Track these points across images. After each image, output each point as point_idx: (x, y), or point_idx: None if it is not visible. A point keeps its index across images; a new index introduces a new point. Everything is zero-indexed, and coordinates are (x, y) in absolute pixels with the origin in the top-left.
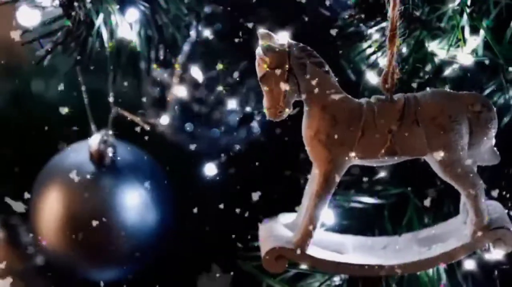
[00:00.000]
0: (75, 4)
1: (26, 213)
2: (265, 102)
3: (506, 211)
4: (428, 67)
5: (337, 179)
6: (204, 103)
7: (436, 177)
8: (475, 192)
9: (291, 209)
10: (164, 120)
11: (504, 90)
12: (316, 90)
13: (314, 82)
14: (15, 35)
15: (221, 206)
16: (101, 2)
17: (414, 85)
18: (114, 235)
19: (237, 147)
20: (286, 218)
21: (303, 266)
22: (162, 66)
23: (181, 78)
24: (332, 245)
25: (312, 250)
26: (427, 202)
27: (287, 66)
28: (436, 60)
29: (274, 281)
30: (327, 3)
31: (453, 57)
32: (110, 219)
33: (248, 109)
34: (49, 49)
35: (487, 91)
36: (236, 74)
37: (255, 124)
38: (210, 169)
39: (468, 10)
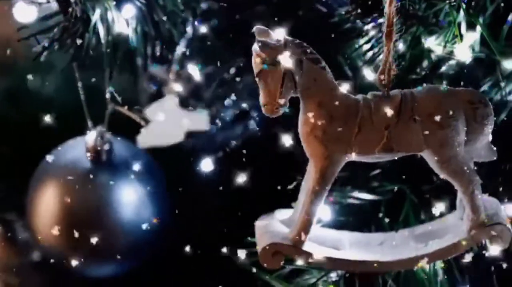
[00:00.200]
0: (72, 0)
1: (22, 209)
2: (261, 98)
3: (503, 207)
4: (425, 63)
5: (334, 175)
6: (201, 99)
7: (433, 173)
8: (472, 188)
9: (288, 205)
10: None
11: (501, 86)
12: (313, 87)
13: (310, 79)
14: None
15: (217, 202)
16: None
17: (411, 81)
18: (111, 231)
19: (234, 143)
20: (282, 214)
21: (300, 262)
22: (158, 62)
23: (177, 75)
24: (329, 241)
25: (309, 246)
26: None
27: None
28: (433, 56)
29: (270, 277)
30: None
31: (450, 53)
32: (106, 215)
33: (244, 105)
34: (46, 46)
35: (483, 87)
36: (232, 70)
37: (251, 121)
38: (206, 165)
39: (464, 6)
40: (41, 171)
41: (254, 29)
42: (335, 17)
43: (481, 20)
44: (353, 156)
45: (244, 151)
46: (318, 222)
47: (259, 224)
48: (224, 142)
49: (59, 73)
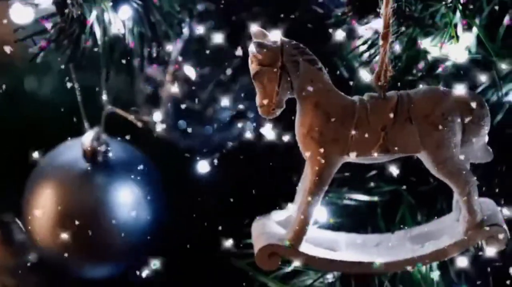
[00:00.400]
0: (68, 1)
1: (19, 210)
2: (258, 99)
3: (499, 208)
4: (421, 65)
5: (330, 176)
6: (197, 101)
7: (429, 175)
8: (468, 189)
9: (284, 206)
10: (157, 117)
11: (497, 87)
12: (309, 88)
13: (307, 80)
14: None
15: (214, 203)
16: None
17: (407, 82)
18: (107, 233)
19: (230, 144)
20: (279, 215)
21: (296, 264)
22: (155, 64)
23: (174, 76)
24: (325, 242)
25: (305, 247)
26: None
27: (279, 63)
28: (429, 57)
29: (267, 278)
30: (320, 0)
31: (446, 55)
32: (103, 216)
33: (241, 106)
34: (42, 47)
35: (480, 88)
36: (229, 72)
37: (247, 122)
38: (203, 166)
39: (461, 7)
40: (38, 172)
41: (250, 30)
42: (331, 18)
43: (477, 21)
44: (350, 157)
45: (241, 152)
46: (314, 223)
47: (256, 225)
48: (221, 143)
49: (55, 74)
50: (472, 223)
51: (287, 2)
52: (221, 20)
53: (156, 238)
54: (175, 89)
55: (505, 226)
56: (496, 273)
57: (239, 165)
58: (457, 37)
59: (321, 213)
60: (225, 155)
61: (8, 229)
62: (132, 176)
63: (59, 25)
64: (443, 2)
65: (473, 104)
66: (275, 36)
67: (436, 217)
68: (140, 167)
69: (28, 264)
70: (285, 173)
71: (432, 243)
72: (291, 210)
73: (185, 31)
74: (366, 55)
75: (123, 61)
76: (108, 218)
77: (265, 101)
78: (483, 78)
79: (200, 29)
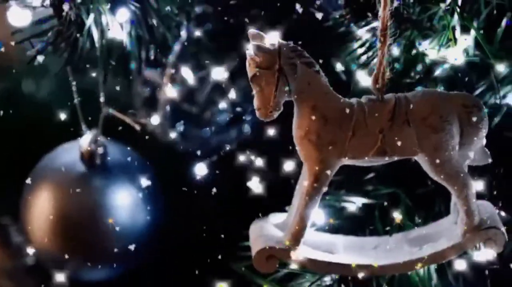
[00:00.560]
0: (66, 4)
1: (16, 213)
2: (255, 102)
3: (497, 211)
4: (419, 67)
5: (328, 179)
6: (195, 103)
7: (427, 177)
8: (466, 192)
9: (282, 209)
10: (155, 120)
11: (495, 89)
12: (307, 90)
13: (304, 82)
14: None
15: (211, 205)
16: (92, 2)
17: (405, 85)
18: (105, 235)
19: (228, 147)
20: (276, 218)
21: (294, 266)
22: (152, 66)
23: (172, 78)
24: (323, 245)
25: (303, 250)
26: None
27: (277, 66)
28: (427, 60)
29: (264, 281)
30: (318, 3)
31: (444, 57)
32: (100, 219)
33: (238, 109)
34: (40, 49)
35: (477, 91)
36: (226, 74)
37: (245, 124)
38: (200, 169)
39: (459, 10)
40: (35, 174)
41: (248, 33)
42: (329, 21)
43: (475, 24)
44: (347, 160)
45: (238, 155)
46: (312, 226)
47: (253, 228)
48: (219, 146)
49: (53, 76)
50: (470, 226)
51: (285, 5)
52: (219, 23)
53: (154, 241)
54: (172, 91)
55: (503, 229)
56: (494, 276)
57: (237, 167)
58: (455, 40)
59: (318, 215)
60: (223, 157)
61: (5, 232)
62: (130, 179)
63: (56, 27)
64: (441, 5)
65: (471, 107)
66: (273, 38)
67: (434, 220)
68: (138, 169)
69: (26, 267)
70: (284, 176)
71: (430, 245)
72: (289, 212)
73: (183, 33)
74: (364, 57)
75: (121, 64)
76: (106, 221)
77: (263, 104)
78: (481, 80)
79: (197, 32)
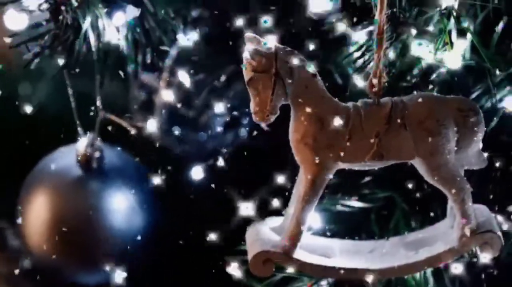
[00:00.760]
0: (62, 8)
1: (13, 217)
2: (252, 106)
3: (493, 215)
4: (415, 71)
5: (324, 182)
6: (192, 107)
7: (423, 181)
8: (462, 196)
9: (279, 213)
10: (151, 123)
11: (491, 93)
12: (303, 94)
13: (301, 86)
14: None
15: (208, 209)
16: (88, 5)
17: (401, 89)
18: (101, 239)
19: (225, 150)
20: (273, 221)
21: (290, 270)
22: (149, 70)
23: (168, 82)
24: (319, 249)
25: (299, 254)
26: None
27: (274, 69)
28: (423, 64)
29: (261, 285)
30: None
31: (440, 61)
32: (97, 223)
33: (235, 112)
34: (36, 53)
35: (474, 95)
36: (223, 78)
37: (242, 128)
38: (197, 173)
39: (455, 14)
40: (32, 178)
41: (244, 37)
42: (325, 24)
43: (471, 27)
44: (344, 164)
45: (235, 158)
46: (308, 230)
47: (250, 231)
48: (215, 149)
49: (49, 80)
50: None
51: (282, 8)
52: (215, 27)
53: (150, 245)
54: (169, 95)
55: (499, 233)
56: (490, 279)
57: (234, 171)
58: (451, 44)
59: (315, 219)
60: (220, 161)
61: (2, 235)
62: (126, 183)
63: (53, 31)
64: (437, 9)
65: (467, 111)
66: (269, 42)
67: (430, 224)
68: (134, 173)
69: (22, 270)
70: (279, 179)
71: (426, 249)
72: (285, 216)
73: (180, 37)
74: (360, 61)
75: (117, 68)
76: (102, 224)
77: (259, 108)
78: (477, 84)
79: (194, 35)
